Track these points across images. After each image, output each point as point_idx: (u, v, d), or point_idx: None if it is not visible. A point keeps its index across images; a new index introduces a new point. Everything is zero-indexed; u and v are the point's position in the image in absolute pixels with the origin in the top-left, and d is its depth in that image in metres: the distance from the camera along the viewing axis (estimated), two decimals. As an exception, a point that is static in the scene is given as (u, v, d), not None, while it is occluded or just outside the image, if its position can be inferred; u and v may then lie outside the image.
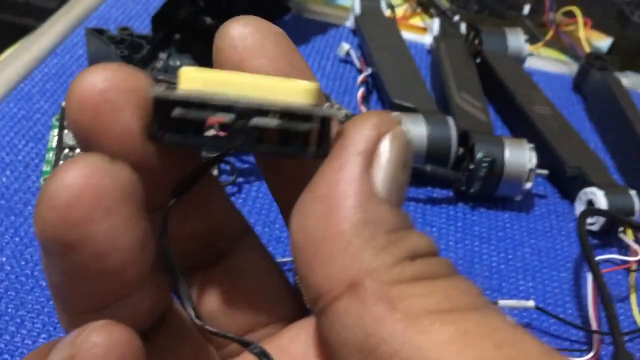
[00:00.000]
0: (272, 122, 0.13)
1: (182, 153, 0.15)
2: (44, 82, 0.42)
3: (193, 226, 0.16)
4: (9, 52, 0.45)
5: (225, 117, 0.13)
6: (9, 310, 0.29)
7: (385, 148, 0.13)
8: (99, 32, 0.41)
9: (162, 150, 0.14)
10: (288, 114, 0.13)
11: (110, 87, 0.14)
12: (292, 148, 0.14)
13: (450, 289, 0.13)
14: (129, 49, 0.40)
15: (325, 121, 0.13)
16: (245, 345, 0.15)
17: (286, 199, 0.16)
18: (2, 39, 0.57)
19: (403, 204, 0.14)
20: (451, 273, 0.13)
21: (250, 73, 0.15)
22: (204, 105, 0.13)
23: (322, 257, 0.13)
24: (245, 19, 0.15)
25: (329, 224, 0.13)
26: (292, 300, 0.17)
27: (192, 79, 0.13)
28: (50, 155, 0.36)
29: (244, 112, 0.13)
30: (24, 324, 0.29)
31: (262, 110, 0.13)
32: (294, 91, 0.14)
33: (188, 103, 0.13)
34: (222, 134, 0.14)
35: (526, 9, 0.55)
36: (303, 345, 0.16)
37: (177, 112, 0.13)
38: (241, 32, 0.15)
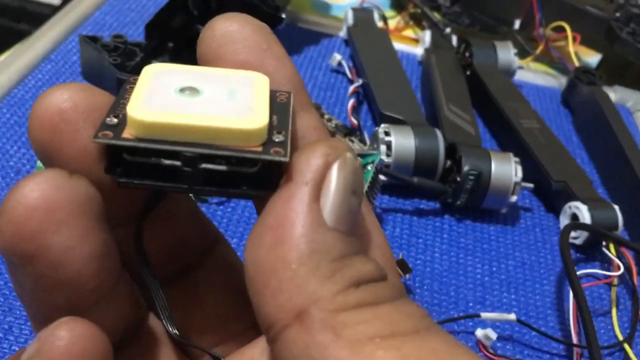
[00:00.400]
0: (219, 167, 0.14)
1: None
2: (38, 88, 0.42)
3: (157, 241, 0.16)
4: (3, 57, 0.45)
5: (174, 163, 0.14)
6: (-3, 316, 0.30)
7: (333, 176, 0.14)
8: (93, 39, 0.41)
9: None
10: (234, 158, 0.14)
11: (69, 108, 0.14)
12: (241, 189, 0.14)
13: (392, 314, 0.13)
14: (122, 56, 0.41)
15: (275, 164, 0.14)
16: (216, 358, 0.16)
17: None
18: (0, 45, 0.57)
19: (355, 229, 0.14)
20: (395, 297, 0.14)
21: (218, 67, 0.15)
22: (151, 152, 0.14)
23: (271, 287, 0.13)
24: (228, 15, 0.16)
25: (277, 253, 0.13)
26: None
27: (139, 124, 0.14)
28: (41, 162, 0.37)
29: (191, 159, 0.14)
30: (12, 330, 0.29)
31: (208, 157, 0.14)
32: (239, 135, 0.14)
33: (135, 150, 0.14)
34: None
35: (517, 23, 0.56)
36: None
37: (126, 157, 0.14)
38: (223, 24, 0.16)
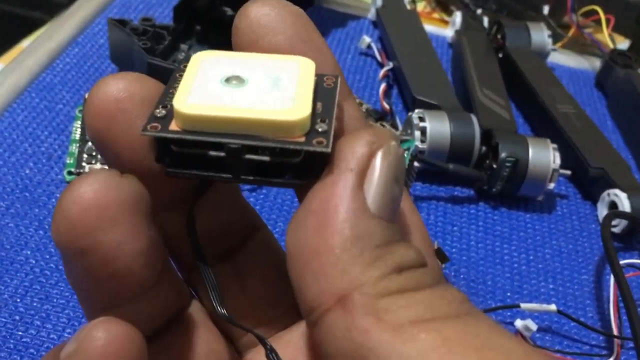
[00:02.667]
0: (262, 158, 0.14)
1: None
2: (66, 72, 0.42)
3: (202, 225, 0.17)
4: (29, 41, 0.45)
5: (219, 154, 0.14)
6: (34, 304, 0.30)
7: (377, 164, 0.14)
8: (121, 22, 0.40)
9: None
10: (277, 149, 0.14)
11: (125, 97, 0.15)
12: (285, 179, 0.14)
13: (433, 299, 0.13)
14: (150, 40, 0.40)
15: (318, 154, 0.14)
16: (261, 339, 0.16)
17: None
18: (12, 32, 0.57)
19: (396, 216, 0.14)
20: (436, 283, 0.14)
21: (260, 53, 0.15)
22: (197, 143, 0.14)
23: (313, 271, 0.13)
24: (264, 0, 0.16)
25: (320, 238, 0.13)
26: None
27: (185, 117, 0.14)
28: (74, 148, 0.36)
29: (235, 150, 0.14)
30: (49, 318, 0.29)
31: (252, 148, 0.14)
32: (282, 127, 0.14)
33: (181, 142, 0.14)
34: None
35: (545, 9, 0.54)
36: (294, 349, 0.17)
37: (173, 148, 0.14)
38: (258, 11, 0.16)
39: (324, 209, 0.13)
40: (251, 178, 0.15)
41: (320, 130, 0.14)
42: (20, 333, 0.28)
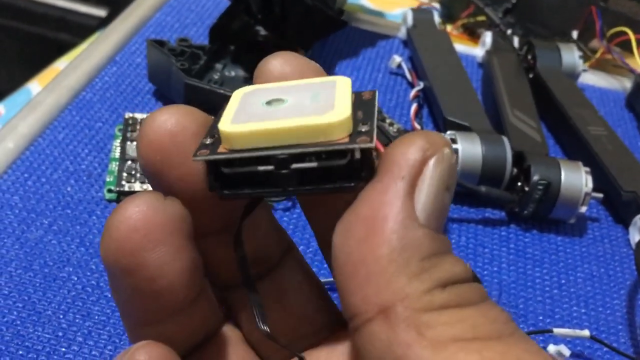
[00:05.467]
0: (310, 164, 0.14)
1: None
2: (104, 91, 0.43)
3: (246, 245, 0.17)
4: (63, 62, 0.46)
5: (267, 168, 0.14)
6: (77, 320, 0.30)
7: (429, 172, 0.14)
8: (160, 43, 0.42)
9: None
10: (323, 153, 0.14)
11: (179, 131, 0.15)
12: (334, 184, 0.14)
13: (477, 317, 0.13)
14: (187, 61, 0.41)
15: (364, 152, 0.14)
16: (300, 357, 0.16)
17: (323, 232, 0.18)
18: (42, 53, 0.59)
19: (443, 226, 0.14)
20: (480, 300, 0.14)
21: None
22: (245, 161, 0.15)
23: (359, 278, 0.13)
24: (283, 54, 0.17)
25: (368, 246, 0.13)
26: (331, 313, 0.19)
27: (230, 136, 0.15)
28: (113, 166, 0.37)
29: (282, 161, 0.14)
30: (91, 335, 0.30)
31: (298, 155, 0.14)
32: (324, 130, 0.14)
33: (230, 161, 0.15)
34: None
35: (574, 34, 0.54)
36: (339, 359, 0.17)
37: (225, 170, 0.15)
38: (275, 63, 0.16)
39: (373, 216, 0.13)
40: (301, 188, 0.15)
41: (363, 130, 0.14)
42: (63, 349, 0.29)
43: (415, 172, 0.14)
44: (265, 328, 0.16)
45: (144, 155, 0.16)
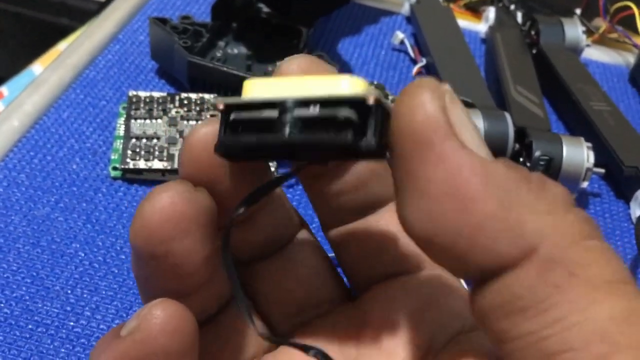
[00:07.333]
0: (312, 111, 0.14)
1: (252, 177, 0.17)
2: (108, 69, 0.43)
3: (259, 224, 0.18)
4: (65, 44, 0.46)
5: (271, 114, 0.15)
6: (84, 295, 0.31)
7: (456, 114, 0.13)
8: (162, 21, 0.42)
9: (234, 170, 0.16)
10: (328, 102, 0.14)
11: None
12: (347, 137, 0.14)
13: (617, 260, 0.12)
14: (190, 38, 0.41)
15: (378, 110, 0.14)
16: (306, 350, 0.16)
17: (325, 211, 0.19)
18: (44, 37, 0.59)
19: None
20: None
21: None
22: (253, 105, 0.15)
23: (482, 240, 0.12)
24: (300, 57, 0.17)
25: (474, 212, 0.12)
26: (337, 286, 0.20)
27: (251, 89, 0.15)
28: (118, 144, 0.38)
29: (287, 106, 0.14)
30: (99, 309, 0.31)
31: (303, 102, 0.14)
32: (336, 83, 0.14)
33: (242, 105, 0.15)
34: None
35: (577, 12, 0.54)
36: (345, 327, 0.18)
37: (233, 116, 0.15)
38: (290, 64, 0.17)
39: (455, 185, 0.13)
40: (301, 136, 0.14)
41: (370, 89, 0.14)
42: (71, 323, 0.30)
43: (446, 120, 0.13)
44: (260, 332, 0.17)
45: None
